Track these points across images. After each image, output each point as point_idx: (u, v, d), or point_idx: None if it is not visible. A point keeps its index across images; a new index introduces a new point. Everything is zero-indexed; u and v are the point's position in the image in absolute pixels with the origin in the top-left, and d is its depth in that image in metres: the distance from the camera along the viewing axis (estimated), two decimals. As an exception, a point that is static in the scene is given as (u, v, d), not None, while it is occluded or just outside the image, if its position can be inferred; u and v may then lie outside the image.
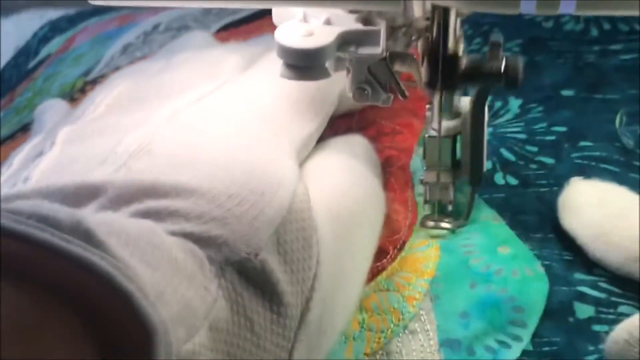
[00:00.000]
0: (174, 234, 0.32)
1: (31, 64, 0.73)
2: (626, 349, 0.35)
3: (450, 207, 0.43)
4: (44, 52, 0.73)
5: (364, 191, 0.40)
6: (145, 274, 0.29)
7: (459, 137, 0.42)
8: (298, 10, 0.34)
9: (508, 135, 0.50)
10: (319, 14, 0.34)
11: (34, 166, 0.37)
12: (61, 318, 0.27)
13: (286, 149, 0.38)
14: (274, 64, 0.34)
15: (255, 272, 0.32)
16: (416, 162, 0.48)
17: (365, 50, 0.34)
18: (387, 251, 0.43)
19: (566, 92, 0.53)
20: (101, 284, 0.27)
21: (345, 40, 0.34)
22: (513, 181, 0.47)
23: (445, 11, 0.36)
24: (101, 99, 0.43)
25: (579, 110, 0.51)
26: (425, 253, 0.43)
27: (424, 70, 0.38)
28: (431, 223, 0.43)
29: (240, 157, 0.36)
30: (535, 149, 0.49)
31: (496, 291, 0.41)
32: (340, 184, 0.39)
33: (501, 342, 0.38)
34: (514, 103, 0.53)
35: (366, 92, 0.36)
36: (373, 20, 0.34)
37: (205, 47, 0.50)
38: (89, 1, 0.31)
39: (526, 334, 0.39)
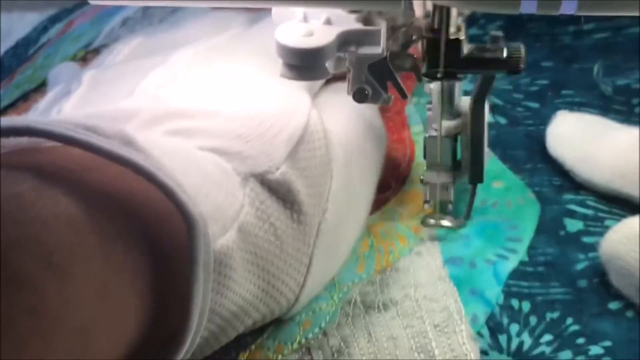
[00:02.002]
0: (202, 149, 0.35)
1: (31, 51, 0.75)
2: (619, 249, 0.38)
3: (450, 207, 0.43)
4: (43, 40, 0.75)
5: (368, 122, 0.43)
6: (182, 178, 0.31)
7: (459, 137, 0.42)
8: (298, 10, 0.34)
9: (495, 87, 0.53)
10: (319, 14, 0.34)
11: (64, 101, 0.40)
12: (108, 217, 0.30)
13: (298, 84, 0.41)
14: None
15: (277, 184, 0.35)
16: (410, 108, 0.51)
17: (366, 50, 0.34)
18: (389, 185, 0.46)
19: (546, 64, 0.56)
20: (144, 182, 0.30)
21: (346, 40, 0.34)
22: (502, 120, 0.50)
23: (446, 11, 0.36)
24: (119, 50, 0.46)
25: (559, 71, 0.55)
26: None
27: (423, 59, 0.37)
28: (432, 222, 0.43)
29: (258, 88, 0.39)
30: (521, 96, 0.52)
31: (493, 218, 0.44)
32: (346, 115, 0.42)
33: (499, 255, 0.42)
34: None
35: (366, 92, 0.36)
36: (373, 20, 0.34)
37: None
38: (89, 1, 0.32)
39: (522, 248, 0.42)
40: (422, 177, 0.42)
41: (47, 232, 0.27)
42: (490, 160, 0.47)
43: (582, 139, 0.45)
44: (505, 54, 0.37)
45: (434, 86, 0.40)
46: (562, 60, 0.56)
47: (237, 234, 0.33)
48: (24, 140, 0.32)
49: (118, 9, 0.68)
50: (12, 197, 0.27)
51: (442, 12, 0.37)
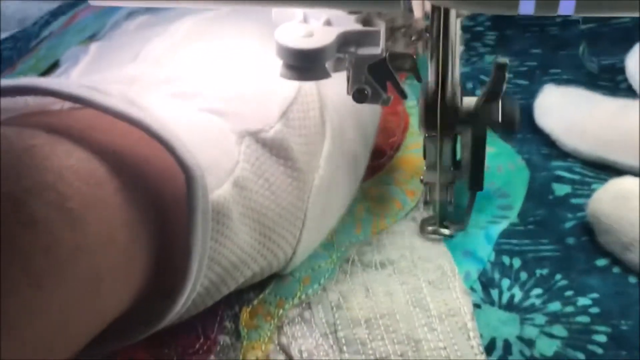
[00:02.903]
0: (200, 110, 0.37)
1: (32, 44, 0.77)
2: (605, 208, 0.40)
3: (450, 208, 0.43)
4: (45, 33, 0.77)
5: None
6: (180, 134, 0.33)
7: (459, 138, 0.41)
8: (298, 11, 0.35)
9: (485, 67, 0.55)
10: (319, 14, 0.35)
11: (72, 69, 0.42)
12: (115, 171, 0.31)
13: None
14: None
15: (271, 142, 0.37)
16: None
17: (365, 51, 0.34)
18: (384, 152, 0.48)
19: (534, 51, 0.58)
20: (146, 139, 0.31)
21: (345, 41, 0.34)
22: (493, 95, 0.52)
23: (445, 12, 0.36)
24: (126, 26, 0.48)
25: (546, 56, 0.57)
26: (419, 156, 0.47)
27: (421, 116, 0.38)
28: (430, 229, 0.43)
29: (254, 56, 0.41)
30: (511, 75, 0.54)
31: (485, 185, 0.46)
32: (341, 82, 0.44)
33: (491, 221, 0.44)
34: (488, 59, 0.57)
35: (366, 92, 0.36)
36: (373, 21, 0.35)
37: None
38: (89, 2, 0.33)
39: (512, 214, 0.44)
40: (422, 178, 0.43)
41: (61, 181, 0.29)
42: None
43: (568, 111, 0.47)
44: (500, 117, 0.39)
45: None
46: (550, 47, 0.58)
47: (233, 188, 0.35)
48: (31, 102, 0.33)
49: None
50: (28, 149, 0.29)
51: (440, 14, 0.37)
